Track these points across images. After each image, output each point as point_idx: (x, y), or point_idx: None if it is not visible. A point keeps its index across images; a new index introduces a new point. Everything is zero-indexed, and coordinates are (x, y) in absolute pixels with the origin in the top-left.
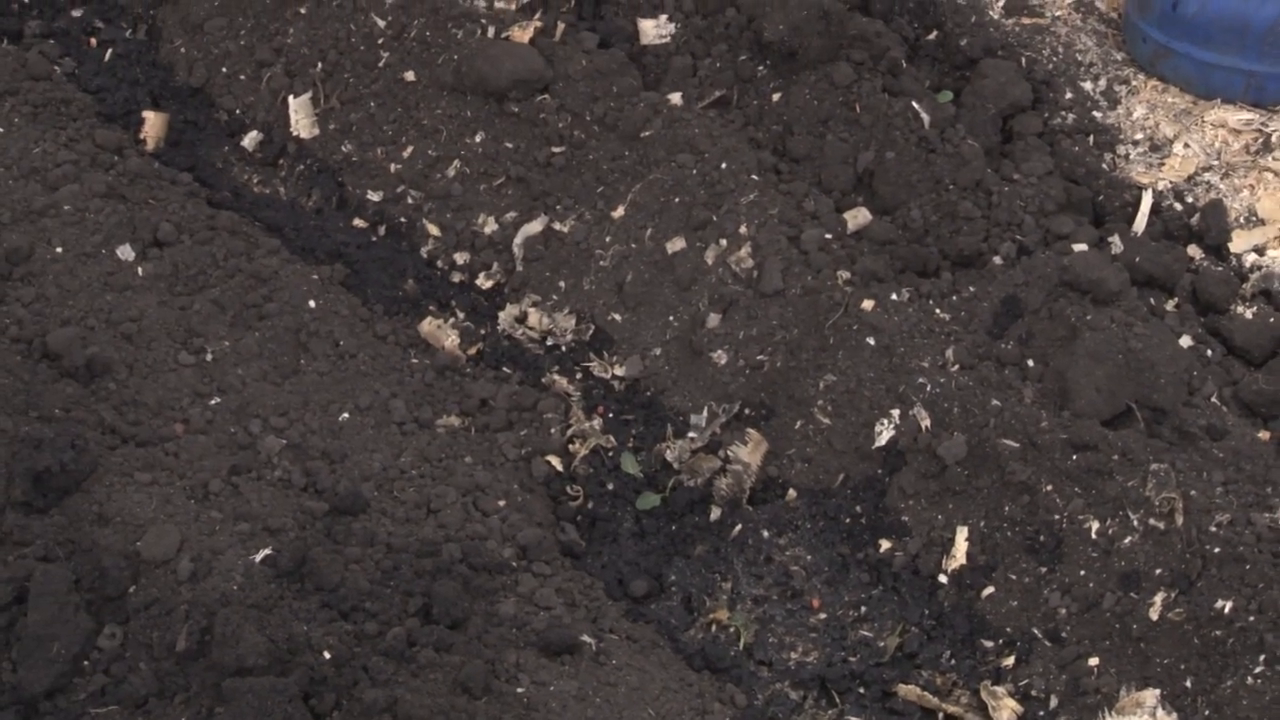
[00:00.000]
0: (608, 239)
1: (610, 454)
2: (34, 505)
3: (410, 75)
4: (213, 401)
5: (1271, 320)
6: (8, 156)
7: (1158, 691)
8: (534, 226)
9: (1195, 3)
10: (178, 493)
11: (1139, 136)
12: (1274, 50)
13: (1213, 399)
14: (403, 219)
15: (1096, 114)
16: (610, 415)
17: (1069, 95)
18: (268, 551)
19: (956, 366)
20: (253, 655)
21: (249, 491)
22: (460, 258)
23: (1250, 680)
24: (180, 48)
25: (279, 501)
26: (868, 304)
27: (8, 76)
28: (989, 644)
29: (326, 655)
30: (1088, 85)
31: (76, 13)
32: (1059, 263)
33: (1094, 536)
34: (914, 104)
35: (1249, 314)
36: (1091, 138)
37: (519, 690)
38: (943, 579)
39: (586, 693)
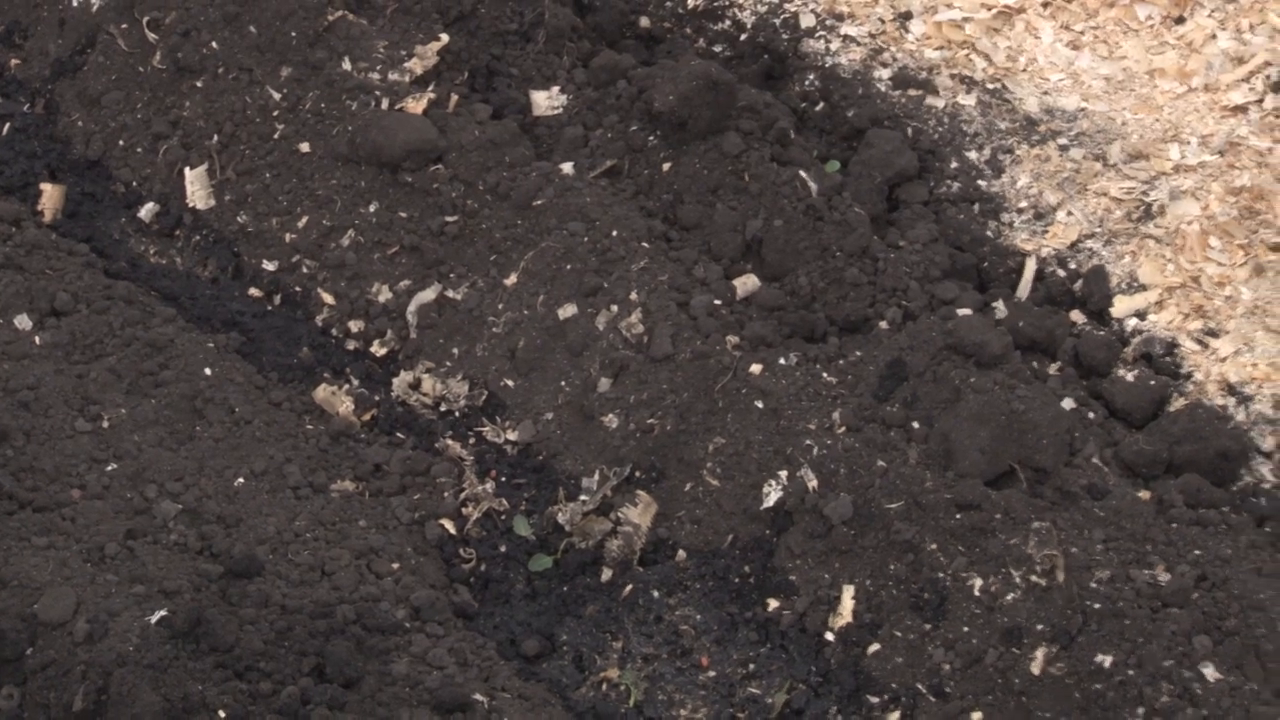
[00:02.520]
0: (500, 306)
1: (503, 517)
2: None
3: (305, 146)
4: (109, 467)
5: (1152, 383)
6: None
7: None
8: (427, 294)
9: None
10: (74, 556)
11: (1023, 204)
12: None
13: (1094, 459)
14: (298, 288)
15: (981, 182)
16: (503, 479)
17: (954, 164)
18: (163, 613)
19: (843, 429)
20: (148, 715)
21: (145, 554)
22: (355, 325)
23: None
24: (77, 121)
25: (174, 564)
26: (756, 368)
27: None
28: (874, 699)
29: (222, 715)
30: (972, 155)
31: None
32: (943, 327)
33: (977, 593)
34: (802, 173)
35: (1130, 377)
36: (976, 205)
37: None
38: (829, 636)
39: None
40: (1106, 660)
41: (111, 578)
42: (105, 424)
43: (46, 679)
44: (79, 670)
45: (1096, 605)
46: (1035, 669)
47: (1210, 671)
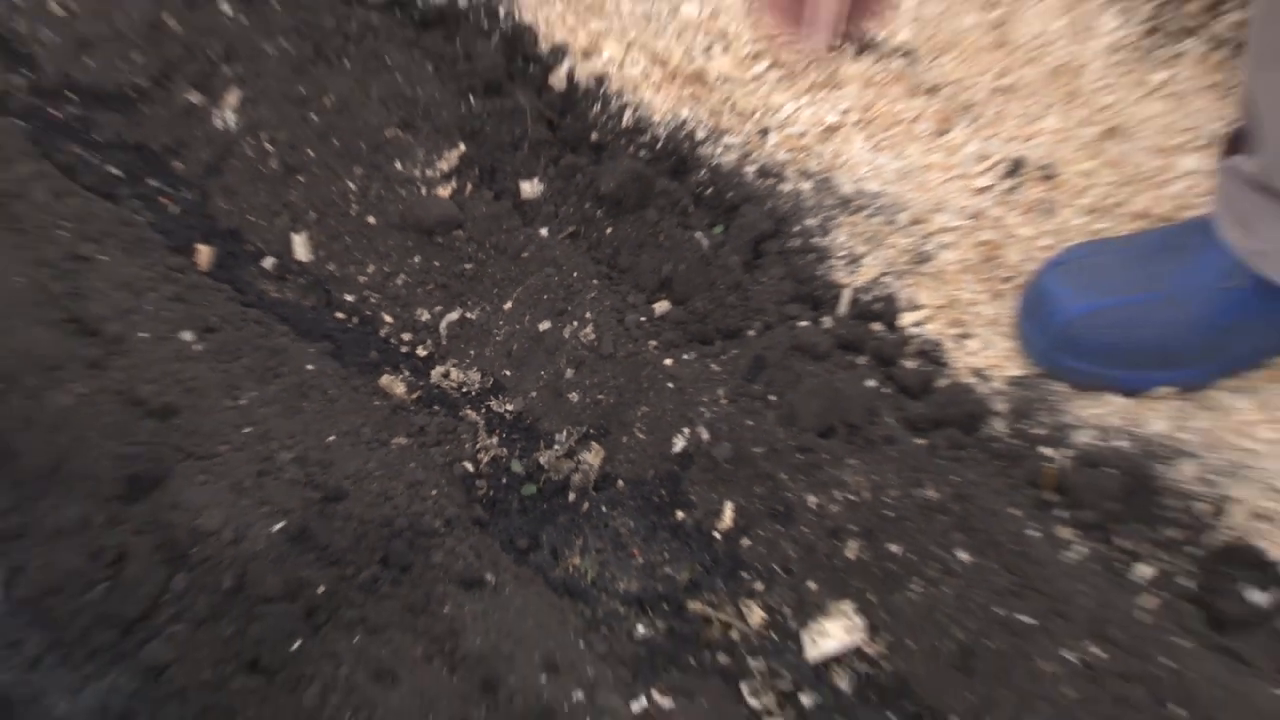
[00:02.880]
0: (501, 323)
1: (504, 460)
2: (127, 499)
3: (371, 219)
4: (245, 430)
5: (926, 369)
6: (109, 278)
7: (853, 603)
8: (453, 315)
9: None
10: (223, 488)
11: (842, 253)
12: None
13: (887, 420)
14: (368, 312)
15: (814, 239)
16: (504, 435)
17: (797, 228)
18: (281, 524)
19: (725, 400)
20: (273, 590)
21: (269, 486)
22: (406, 336)
23: (909, 594)
24: (221, 204)
25: (288, 493)
26: (668, 362)
27: (106, 225)
28: (746, 575)
29: (320, 589)
30: (809, 221)
31: (153, 182)
32: (790, 334)
33: (811, 507)
34: (698, 234)
35: (911, 365)
36: (812, 255)
37: (445, 609)
38: (716, 535)
39: (489, 611)
40: (896, 548)
41: (247, 502)
42: (243, 402)
43: (205, 568)
44: (226, 562)
45: (890, 513)
46: (850, 555)
47: (964, 555)
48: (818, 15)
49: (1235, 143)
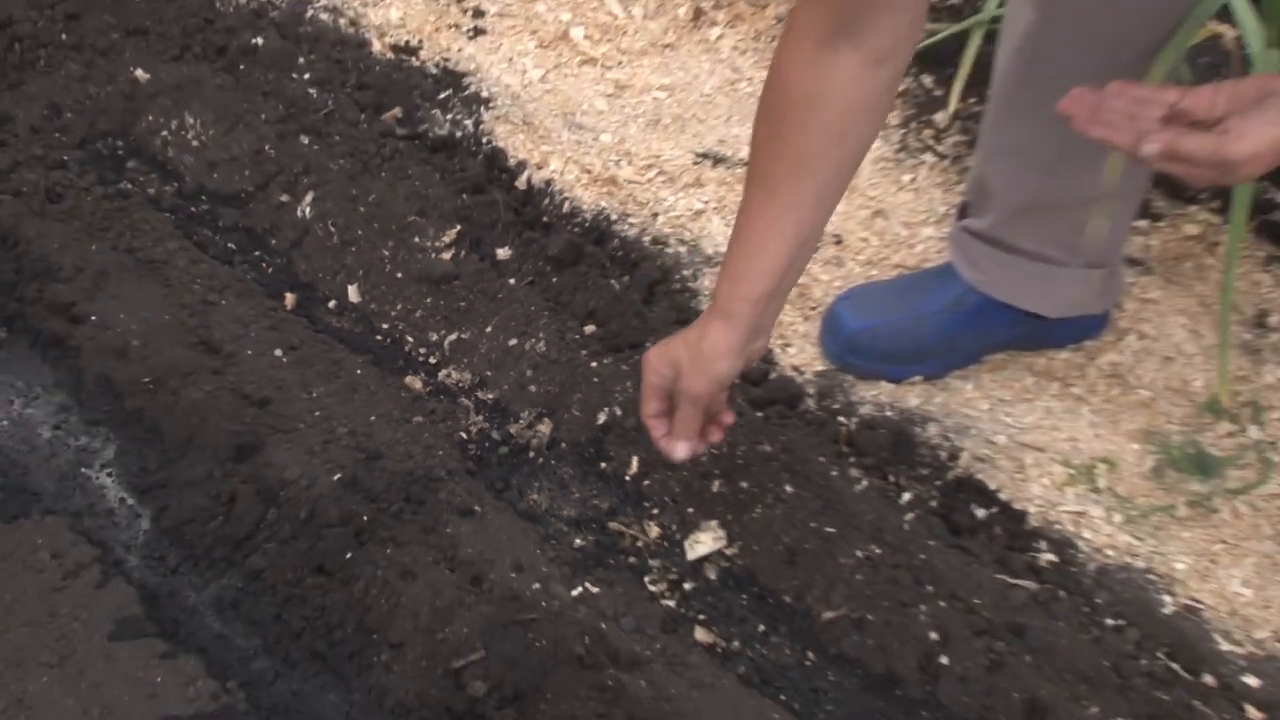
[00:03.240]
0: (484, 341)
1: (487, 431)
2: (236, 460)
3: (399, 274)
4: (315, 413)
5: (764, 367)
6: (226, 315)
7: (717, 521)
8: (453, 336)
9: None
10: (299, 451)
11: (706, 293)
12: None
13: (738, 400)
14: (397, 336)
15: (689, 284)
16: (487, 415)
17: (677, 276)
18: (339, 475)
19: (632, 390)
20: (332, 519)
21: (332, 450)
22: (422, 350)
23: (754, 514)
24: (301, 266)
25: (343, 453)
26: (594, 364)
27: (225, 281)
28: (647, 504)
29: (365, 518)
30: (685, 272)
31: (256, 253)
32: None
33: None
34: (613, 281)
35: (754, 365)
36: (688, 293)
37: (448, 530)
38: (627, 478)
39: (477, 532)
40: (745, 484)
41: (316, 461)
42: (314, 395)
43: (288, 505)
44: (302, 501)
45: (741, 461)
46: (715, 489)
47: (789, 488)
48: (678, 436)
49: (964, 210)
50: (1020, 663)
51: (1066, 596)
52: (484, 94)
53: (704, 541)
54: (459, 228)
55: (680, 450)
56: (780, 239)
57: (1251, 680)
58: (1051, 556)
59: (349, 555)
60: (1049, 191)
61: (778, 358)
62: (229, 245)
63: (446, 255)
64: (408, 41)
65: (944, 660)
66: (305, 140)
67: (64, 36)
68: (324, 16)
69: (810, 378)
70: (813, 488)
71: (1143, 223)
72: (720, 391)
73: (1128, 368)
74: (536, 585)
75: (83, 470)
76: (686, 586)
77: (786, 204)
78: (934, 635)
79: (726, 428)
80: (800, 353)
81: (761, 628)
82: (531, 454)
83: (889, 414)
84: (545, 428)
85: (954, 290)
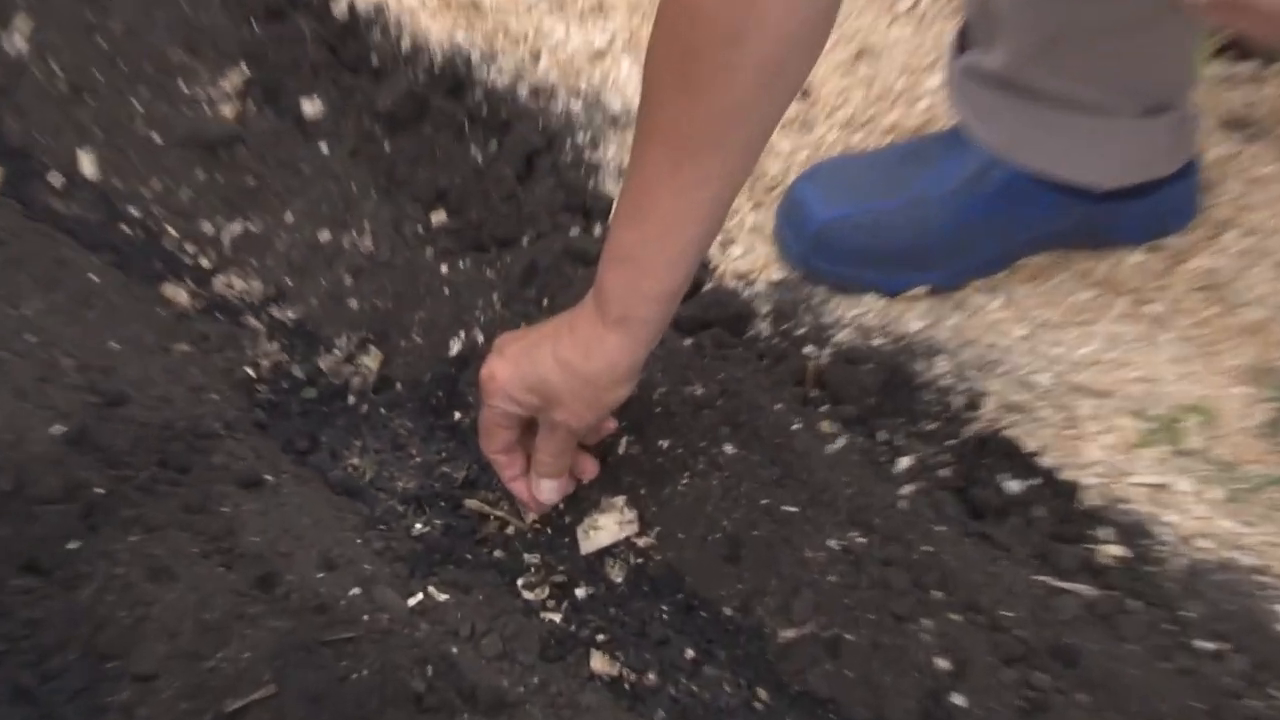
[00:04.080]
0: (282, 234)
1: (284, 365)
2: None
3: (156, 137)
4: (26, 338)
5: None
6: None
7: (624, 497)
8: (235, 228)
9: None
10: (5, 393)
11: (611, 167)
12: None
13: None
14: (152, 225)
15: (585, 154)
16: (285, 342)
17: (569, 143)
18: (62, 428)
19: (499, 305)
20: (50, 491)
21: (51, 392)
22: (189, 247)
23: (680, 487)
24: (13, 127)
25: (69, 397)
26: (444, 268)
27: None
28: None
29: (99, 490)
30: (580, 136)
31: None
32: (563, 242)
33: None
34: (474, 148)
35: None
36: (584, 168)
37: (223, 509)
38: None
39: (267, 510)
40: (665, 443)
41: (27, 406)
42: (25, 312)
43: None
44: (4, 464)
45: (658, 409)
46: (620, 450)
47: (729, 449)
48: (544, 474)
49: (962, 40)
50: (1071, 703)
51: (1142, 608)
52: None
53: (605, 527)
54: (245, 70)
55: (547, 493)
56: (696, 217)
57: None
58: (1118, 549)
59: (74, 545)
60: (1085, 8)
61: (715, 260)
62: None
63: (227, 110)
64: None
65: (958, 700)
66: None
67: None
68: None
69: (762, 290)
70: (765, 448)
71: (1245, 65)
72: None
73: (1228, 277)
74: (355, 590)
75: None
76: (579, 593)
77: (705, 172)
78: (943, 664)
79: (605, 440)
80: (749, 253)
81: (689, 653)
82: (351, 399)
83: (877, 343)
84: (372, 361)
85: (970, 162)
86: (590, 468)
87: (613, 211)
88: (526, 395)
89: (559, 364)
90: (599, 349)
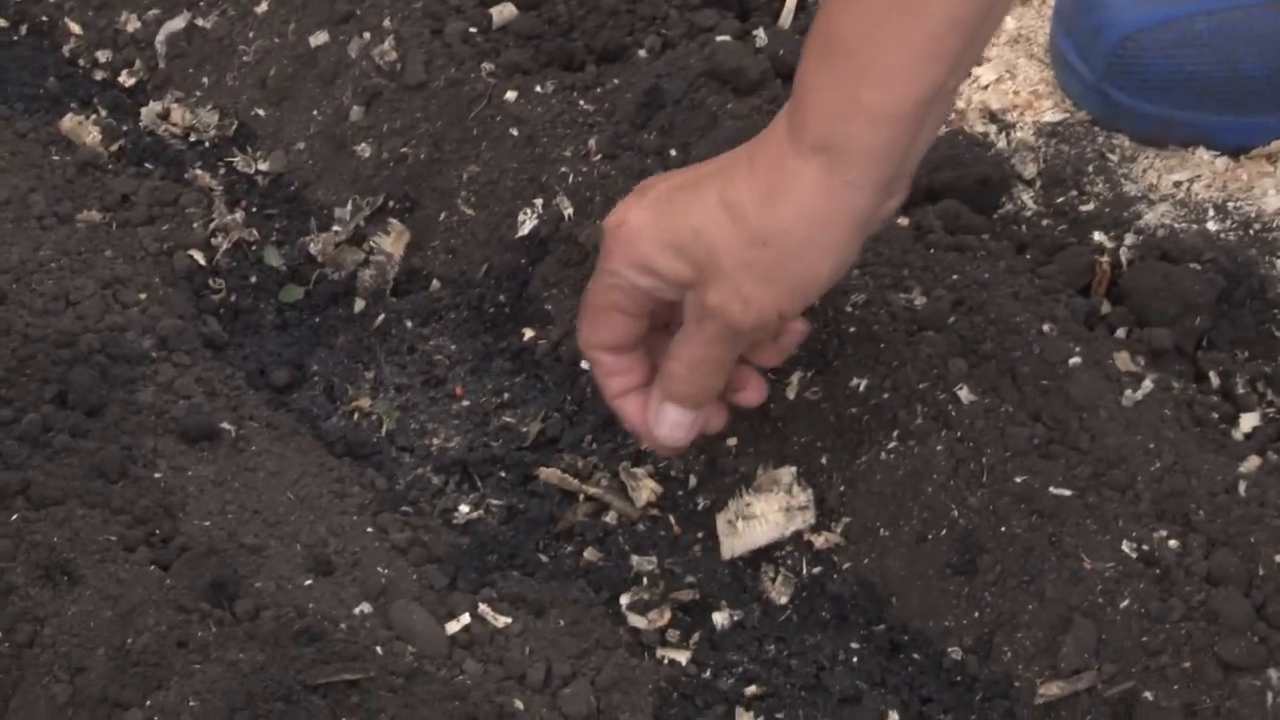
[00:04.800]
0: (251, 34)
1: (253, 247)
2: None
3: None
4: None
5: None
6: None
7: (794, 469)
8: (177, 23)
9: None
10: None
11: None
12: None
13: None
14: (44, 17)
15: None
16: (253, 210)
17: None
18: None
19: (599, 156)
20: None
21: None
22: (102, 55)
23: (883, 455)
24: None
25: None
26: (511, 95)
27: None
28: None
29: None
30: None
31: None
32: (701, 53)
33: None
34: None
35: None
36: None
37: (156, 475)
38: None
39: (225, 478)
40: (861, 384)
41: None
42: None
43: None
44: None
45: (852, 329)
46: (790, 394)
47: (965, 394)
48: (677, 396)
49: None
50: None
51: None
52: None
53: (763, 515)
54: None
55: (672, 427)
56: None
57: None
58: None
59: None
60: None
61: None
62: None
63: None
64: None
65: None
66: None
67: None
68: None
69: (1028, 139)
70: (1025, 395)
71: None
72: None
73: None
74: (364, 607)
75: None
76: (719, 620)
77: None
78: None
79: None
80: (1005, 80)
81: (894, 717)
82: (360, 305)
83: (1213, 229)
84: (393, 243)
85: None
86: (754, 394)
87: None
88: (671, 260)
89: (726, 211)
90: (788, 189)
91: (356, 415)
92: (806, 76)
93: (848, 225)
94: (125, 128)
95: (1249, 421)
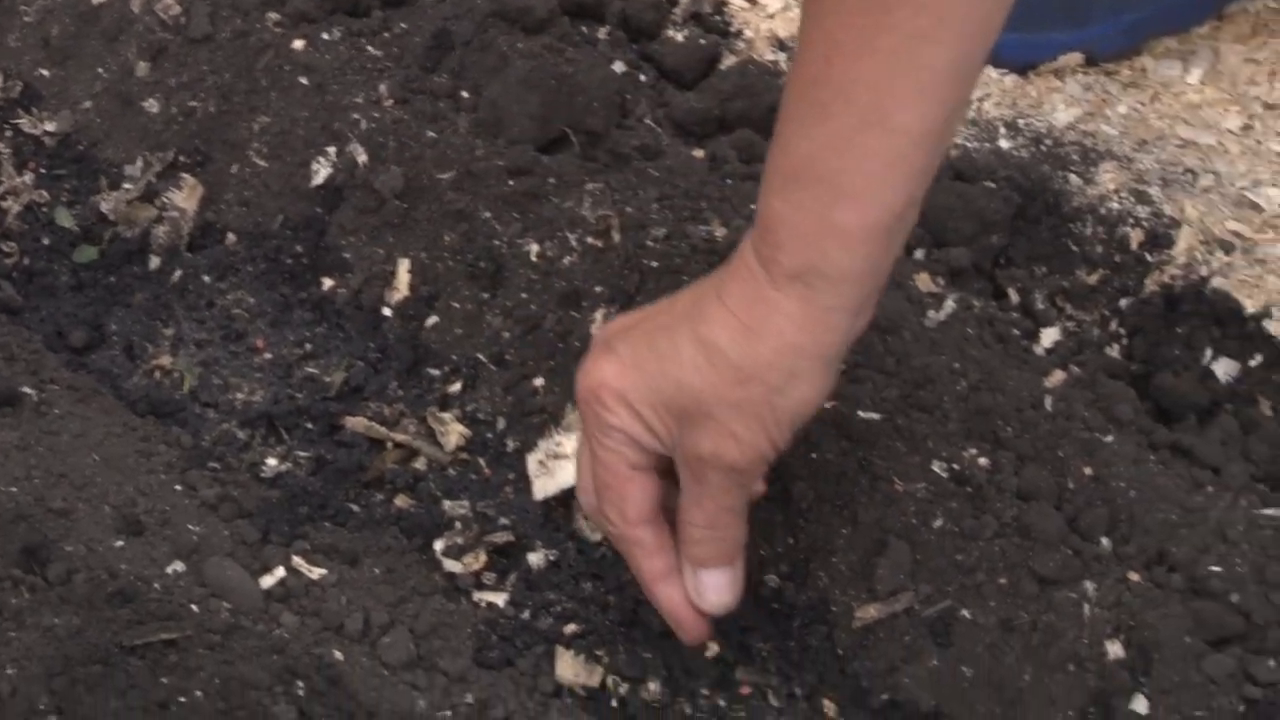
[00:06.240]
0: None
1: (44, 209)
2: None
3: None
4: None
5: (702, 42)
6: None
7: None
8: None
9: None
10: None
11: None
12: None
13: (646, 120)
14: None
15: None
16: (42, 171)
17: None
18: None
19: (390, 101)
20: None
21: None
22: None
23: None
24: None
25: None
26: (299, 44)
27: None
28: (435, 372)
29: None
30: None
31: None
32: None
33: (533, 259)
34: None
35: (679, 38)
36: None
37: None
38: (386, 312)
39: (28, 442)
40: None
41: None
42: None
43: None
44: None
45: (653, 263)
46: (595, 331)
47: None
48: (710, 560)
49: None
50: None
51: None
52: None
53: (573, 455)
54: None
55: (717, 593)
56: (922, 88)
57: None
58: None
59: None
60: None
61: (738, 16)
62: None
63: None
64: None
65: (1139, 707)
66: None
67: None
68: None
69: None
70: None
71: None
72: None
73: None
74: (176, 565)
75: None
76: (533, 560)
77: (936, 18)
78: (1116, 650)
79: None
80: (789, 10)
81: (711, 647)
82: (155, 261)
83: (1005, 146)
84: (186, 198)
85: None
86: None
87: (782, 103)
88: (661, 415)
89: (705, 353)
90: (767, 322)
91: (158, 373)
92: (774, 205)
93: (829, 351)
94: None
95: (1050, 336)
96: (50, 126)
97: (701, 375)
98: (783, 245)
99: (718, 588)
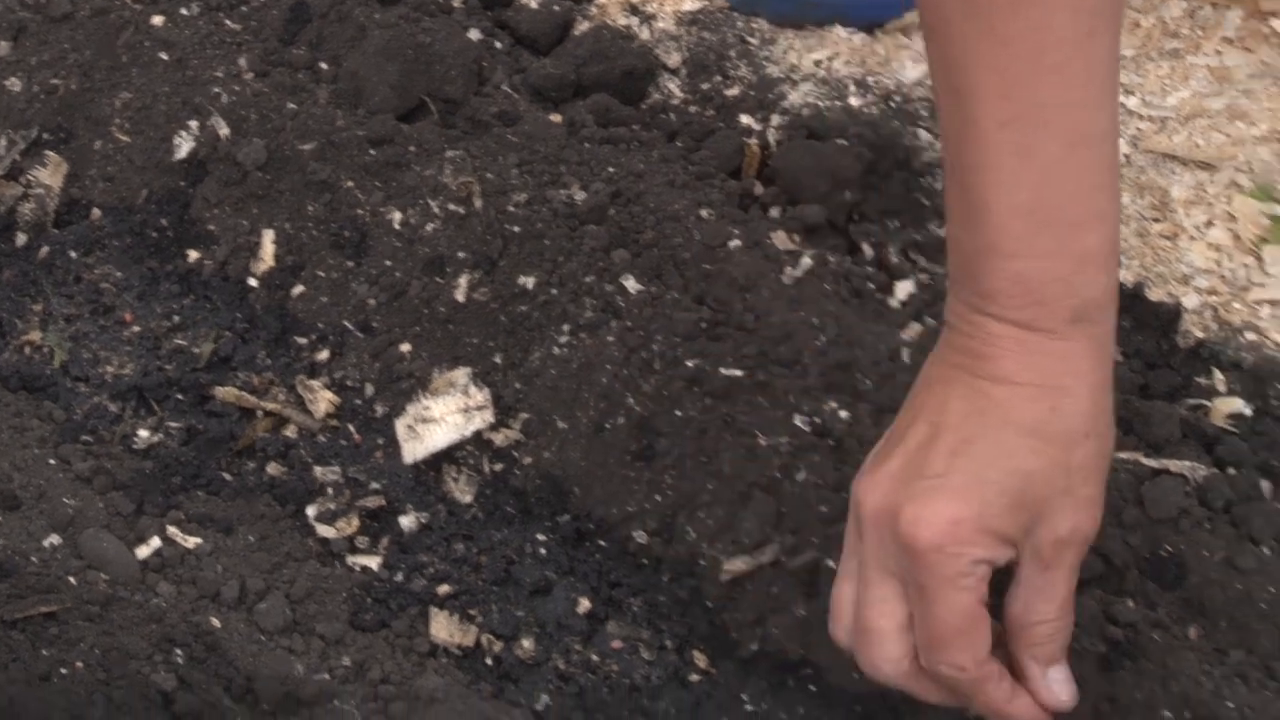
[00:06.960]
0: None
1: None
2: None
3: None
4: None
5: (555, 8)
6: None
7: (469, 369)
8: None
9: None
10: None
11: None
12: None
13: (503, 87)
14: None
15: None
16: None
17: None
18: None
19: (250, 74)
20: None
21: None
22: None
23: (555, 350)
24: None
25: None
26: (157, 20)
27: None
28: (302, 340)
29: None
30: None
31: None
32: None
33: (397, 227)
34: None
35: (533, 4)
36: None
37: None
38: (253, 282)
39: None
40: (529, 281)
41: None
42: None
43: None
44: None
45: (516, 229)
46: (460, 296)
47: (630, 284)
48: (1052, 657)
49: None
50: (1174, 644)
51: (1274, 491)
52: None
53: (441, 418)
54: None
55: (1071, 685)
56: (1110, 106)
57: None
58: (1237, 404)
59: None
60: None
61: None
62: None
63: None
64: None
65: None
66: None
67: None
68: None
69: (671, 29)
70: (688, 280)
71: None
72: None
73: None
74: (53, 539)
75: None
76: (405, 523)
77: (1113, 27)
78: None
79: None
80: None
81: (583, 604)
82: (22, 239)
83: (855, 104)
84: (51, 175)
85: None
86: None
87: (960, 181)
88: (1014, 519)
89: (1029, 435)
90: (1068, 374)
91: (28, 349)
92: (1014, 269)
93: (1111, 376)
94: None
95: (904, 289)
96: None
97: (1039, 455)
98: (1046, 300)
99: (1067, 680)
